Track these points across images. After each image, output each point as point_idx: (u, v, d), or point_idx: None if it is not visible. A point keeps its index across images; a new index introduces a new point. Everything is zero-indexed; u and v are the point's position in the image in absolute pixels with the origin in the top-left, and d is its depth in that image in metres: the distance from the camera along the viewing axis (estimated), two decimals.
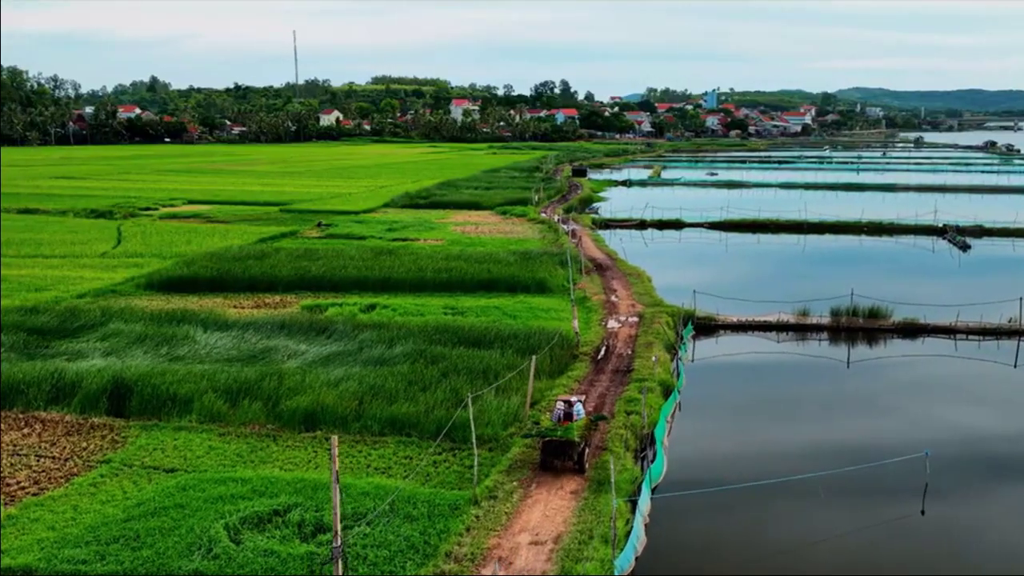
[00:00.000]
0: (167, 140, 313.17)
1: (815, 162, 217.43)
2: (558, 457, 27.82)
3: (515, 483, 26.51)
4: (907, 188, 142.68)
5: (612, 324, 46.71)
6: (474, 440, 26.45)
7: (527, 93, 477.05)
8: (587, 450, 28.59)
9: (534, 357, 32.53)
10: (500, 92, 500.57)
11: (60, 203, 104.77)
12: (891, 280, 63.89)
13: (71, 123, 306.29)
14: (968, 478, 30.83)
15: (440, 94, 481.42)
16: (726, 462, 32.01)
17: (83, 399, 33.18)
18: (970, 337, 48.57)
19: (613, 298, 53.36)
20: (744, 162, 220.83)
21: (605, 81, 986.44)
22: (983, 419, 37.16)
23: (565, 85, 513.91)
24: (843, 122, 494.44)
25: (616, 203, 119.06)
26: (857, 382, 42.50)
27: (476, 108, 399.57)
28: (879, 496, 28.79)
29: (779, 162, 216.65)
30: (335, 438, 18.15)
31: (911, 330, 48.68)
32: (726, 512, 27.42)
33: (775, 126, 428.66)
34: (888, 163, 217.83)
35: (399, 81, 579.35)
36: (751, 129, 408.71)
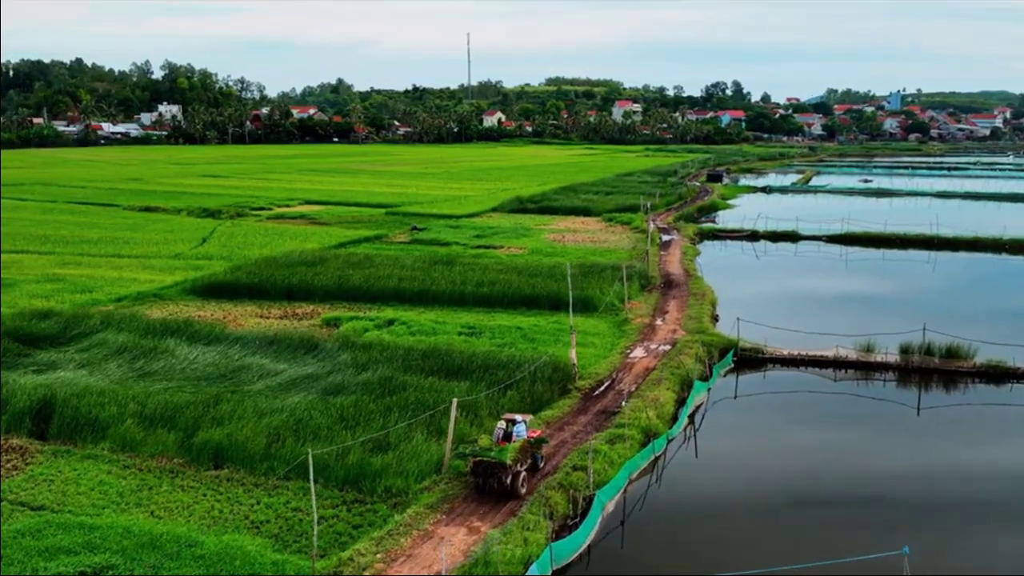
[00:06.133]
0: (335, 140, 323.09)
1: (988, 169, 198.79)
2: (488, 478, 26.08)
3: (379, 555, 22.44)
4: None
5: (636, 353, 41.53)
6: (315, 504, 22.52)
7: (698, 94, 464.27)
8: (523, 474, 26.61)
9: (455, 400, 28.20)
10: (670, 93, 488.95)
11: (183, 201, 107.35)
12: (1009, 308, 55.58)
13: (248, 123, 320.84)
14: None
15: (610, 95, 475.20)
16: (681, 539, 26.75)
17: (10, 418, 31.38)
18: None
19: (658, 321, 47.96)
20: (909, 168, 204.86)
21: (783, 82, 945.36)
22: None
23: (737, 86, 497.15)
24: None
25: (744, 211, 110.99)
26: (920, 440, 35.71)
27: (638, 109, 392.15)
28: None
29: (950, 168, 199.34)
30: None
31: (995, 374, 40.98)
32: None
33: (960, 129, 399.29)
34: None
35: (572, 82, 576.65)
36: (933, 132, 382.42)
